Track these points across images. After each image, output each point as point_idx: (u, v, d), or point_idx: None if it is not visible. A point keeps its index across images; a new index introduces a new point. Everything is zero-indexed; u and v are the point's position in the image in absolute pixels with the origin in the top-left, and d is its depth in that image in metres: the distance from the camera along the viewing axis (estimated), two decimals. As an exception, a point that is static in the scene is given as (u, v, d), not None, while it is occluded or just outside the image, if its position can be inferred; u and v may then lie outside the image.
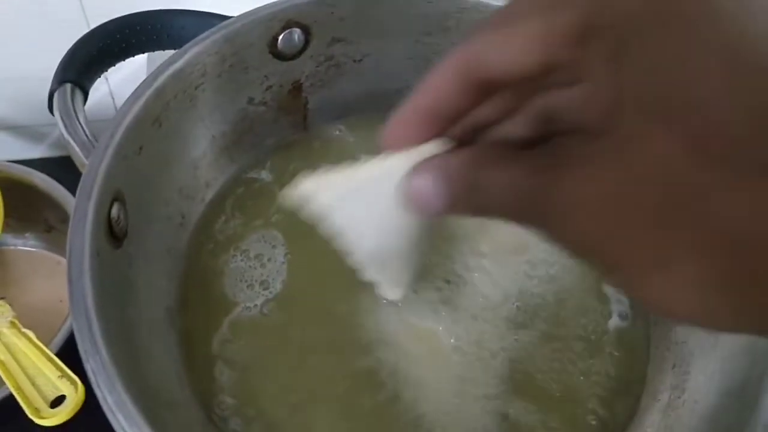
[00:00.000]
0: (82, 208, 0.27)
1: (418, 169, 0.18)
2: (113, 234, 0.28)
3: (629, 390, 0.33)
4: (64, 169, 0.40)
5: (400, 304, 0.34)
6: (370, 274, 0.23)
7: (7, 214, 0.46)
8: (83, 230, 0.26)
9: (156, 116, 0.32)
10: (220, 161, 0.38)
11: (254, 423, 0.31)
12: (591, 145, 0.15)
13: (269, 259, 0.35)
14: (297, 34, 0.37)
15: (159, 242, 0.33)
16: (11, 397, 0.36)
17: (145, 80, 0.31)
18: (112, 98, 0.55)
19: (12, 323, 0.41)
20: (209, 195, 0.37)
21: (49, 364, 0.37)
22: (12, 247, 0.52)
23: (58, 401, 0.35)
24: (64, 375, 0.36)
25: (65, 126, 0.33)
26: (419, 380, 0.32)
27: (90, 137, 0.33)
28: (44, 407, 0.35)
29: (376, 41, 0.39)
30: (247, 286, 0.34)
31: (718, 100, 0.13)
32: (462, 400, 0.32)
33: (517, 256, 0.37)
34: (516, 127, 0.18)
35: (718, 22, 0.13)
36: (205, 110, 0.35)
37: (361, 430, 0.31)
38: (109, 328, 0.24)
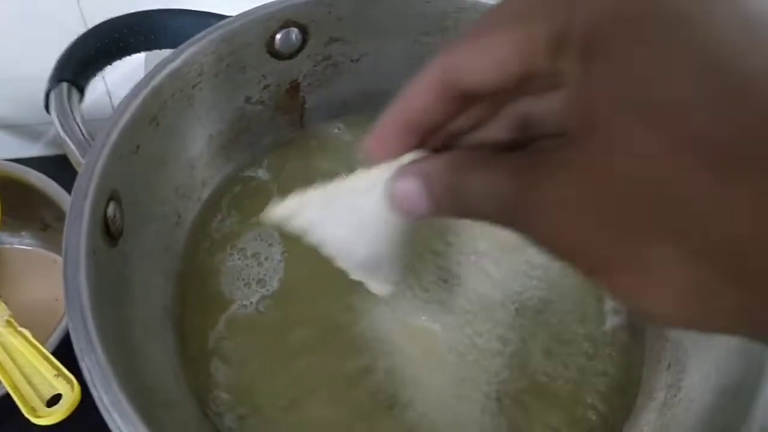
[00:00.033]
0: (78, 206, 0.27)
1: (401, 172, 0.18)
2: (109, 233, 0.28)
3: (626, 389, 0.33)
4: (60, 167, 0.39)
5: (395, 304, 0.34)
6: (356, 276, 0.23)
7: (3, 213, 0.45)
8: (79, 229, 0.26)
9: (153, 115, 0.32)
10: (216, 160, 0.38)
11: (249, 419, 0.31)
12: (568, 149, 0.15)
13: (266, 258, 0.35)
14: (294, 33, 0.37)
15: (155, 241, 0.33)
16: (7, 396, 0.35)
17: (142, 80, 0.31)
18: (110, 97, 0.55)
19: (8, 322, 0.41)
20: (206, 194, 0.37)
21: (45, 362, 0.37)
22: (8, 246, 0.52)
23: (54, 400, 0.35)
24: (60, 374, 0.36)
25: (61, 125, 0.33)
26: (415, 379, 0.32)
27: (86, 136, 0.33)
28: (40, 406, 0.35)
29: (374, 41, 0.39)
30: (244, 284, 0.34)
31: (697, 103, 0.13)
32: (458, 399, 0.32)
33: (514, 255, 0.37)
34: (496, 132, 0.19)
35: (690, 25, 0.13)
36: (202, 109, 0.35)
37: (356, 429, 0.31)
38: (104, 327, 0.24)
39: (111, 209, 0.29)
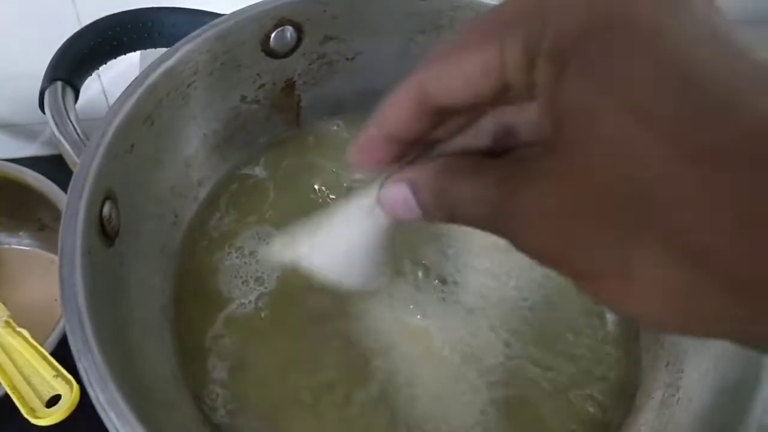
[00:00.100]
0: (73, 206, 0.27)
1: (391, 179, 0.19)
2: (105, 233, 0.28)
3: (624, 388, 0.33)
4: (57, 167, 0.39)
5: (394, 303, 0.34)
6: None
7: (0, 213, 0.46)
8: (75, 229, 0.26)
9: (148, 114, 0.32)
10: (212, 159, 0.38)
11: (250, 418, 0.31)
12: (546, 158, 0.15)
13: (266, 256, 0.35)
14: (289, 32, 0.37)
15: (152, 241, 0.33)
16: (7, 396, 0.35)
17: (136, 78, 0.31)
18: (105, 96, 0.55)
19: (6, 322, 0.41)
20: (202, 193, 0.37)
21: (44, 363, 0.37)
22: (6, 246, 0.52)
23: (53, 401, 0.35)
24: (59, 374, 0.36)
25: (56, 124, 0.33)
26: (414, 379, 0.32)
27: (81, 135, 0.33)
28: (40, 407, 0.35)
29: (369, 39, 0.39)
30: (242, 282, 0.34)
31: (676, 109, 0.13)
32: (458, 399, 0.32)
33: (513, 255, 0.37)
34: (479, 140, 0.19)
35: (661, 35, 0.14)
36: (197, 108, 0.35)
37: (353, 427, 0.31)
38: (101, 327, 0.24)
39: (107, 209, 0.28)
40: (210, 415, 0.30)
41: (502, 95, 0.16)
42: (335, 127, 0.41)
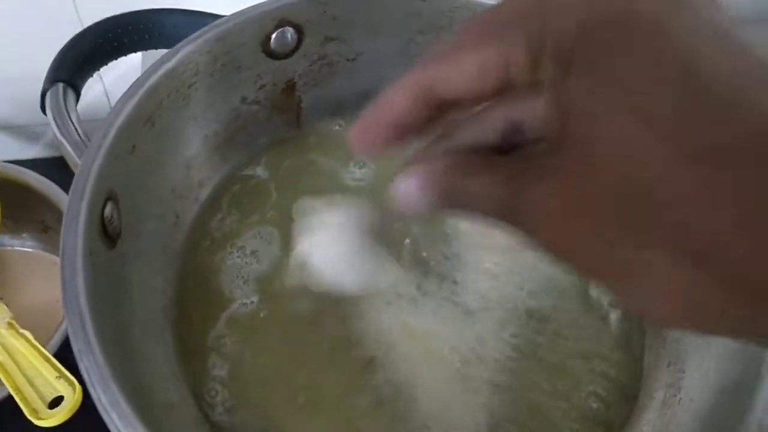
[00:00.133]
0: (75, 207, 0.27)
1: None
2: (107, 234, 0.28)
3: (626, 388, 0.33)
4: (59, 169, 0.39)
5: (396, 304, 0.34)
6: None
7: (3, 215, 0.46)
8: (76, 230, 0.26)
9: (149, 116, 0.32)
10: (213, 160, 0.38)
11: (249, 416, 0.31)
12: (551, 156, 0.15)
13: (266, 256, 0.35)
14: (290, 33, 0.37)
15: (153, 241, 0.33)
16: (10, 398, 0.36)
17: (137, 80, 0.31)
18: (107, 98, 0.55)
19: (9, 324, 0.41)
20: (203, 194, 0.37)
21: (47, 364, 0.37)
22: (9, 248, 0.52)
23: (56, 402, 0.35)
24: (62, 376, 0.36)
25: (58, 126, 0.33)
26: (416, 380, 0.32)
27: (83, 137, 0.33)
28: (42, 408, 0.35)
29: (369, 40, 0.39)
30: (244, 283, 0.34)
31: (677, 108, 0.13)
32: (458, 399, 0.32)
33: (515, 255, 0.37)
34: (486, 137, 0.19)
35: (664, 33, 0.14)
36: (198, 109, 0.35)
37: (352, 427, 0.31)
38: (102, 328, 0.24)
39: (108, 210, 0.29)
40: (208, 412, 0.30)
41: (504, 92, 0.17)
42: (336, 127, 0.41)
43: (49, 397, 0.35)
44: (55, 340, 0.39)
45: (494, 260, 0.36)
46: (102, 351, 0.23)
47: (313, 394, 0.31)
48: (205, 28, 0.34)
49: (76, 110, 0.35)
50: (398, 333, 0.33)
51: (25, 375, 0.37)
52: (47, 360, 0.37)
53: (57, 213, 0.46)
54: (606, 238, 0.14)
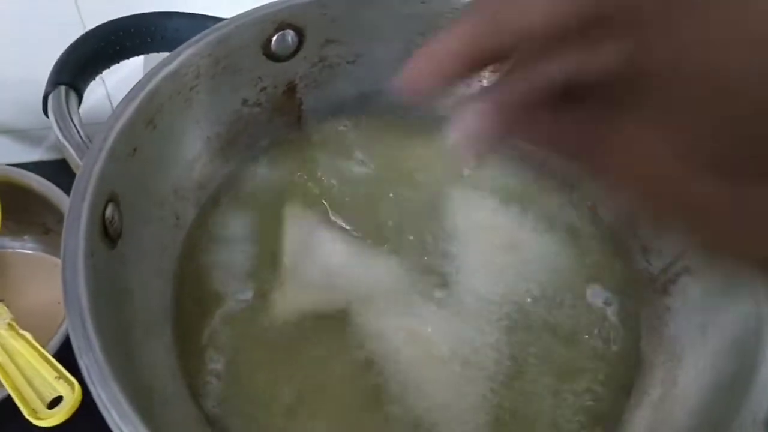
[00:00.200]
0: (76, 209, 0.27)
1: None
2: (108, 235, 0.29)
3: (623, 384, 0.33)
4: (61, 172, 0.40)
5: (393, 305, 0.34)
6: None
7: (4, 217, 0.46)
8: (77, 231, 0.27)
9: (150, 118, 0.32)
10: (214, 162, 0.38)
11: (247, 414, 0.31)
12: (632, 101, 0.15)
13: (264, 256, 0.36)
14: (290, 35, 0.37)
15: (154, 242, 0.33)
16: (10, 398, 0.36)
17: (138, 82, 0.32)
18: (110, 101, 0.55)
19: (10, 325, 0.41)
20: (204, 195, 0.37)
21: (46, 365, 0.37)
22: (10, 250, 0.52)
23: (55, 402, 0.35)
24: (61, 376, 0.36)
25: (60, 128, 0.33)
26: (415, 380, 0.32)
27: (85, 139, 0.33)
28: (42, 408, 0.35)
29: (370, 42, 0.39)
30: (241, 282, 0.35)
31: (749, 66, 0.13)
32: (459, 399, 0.32)
33: (508, 253, 0.37)
34: (555, 77, 0.18)
35: None
36: (199, 111, 0.36)
37: (350, 425, 0.31)
38: (103, 327, 0.24)
39: (109, 211, 0.29)
40: (205, 408, 0.30)
41: (574, 34, 0.16)
42: (338, 129, 0.41)
43: (49, 398, 0.35)
44: (55, 341, 0.39)
45: (494, 260, 0.36)
46: (102, 349, 0.23)
47: (308, 393, 0.32)
48: (206, 31, 0.34)
49: (78, 113, 0.35)
50: (396, 333, 0.34)
51: (24, 375, 0.37)
52: (47, 360, 0.37)
53: (58, 215, 0.47)
54: (695, 180, 0.15)
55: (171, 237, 0.35)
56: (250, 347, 0.33)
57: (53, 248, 0.51)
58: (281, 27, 0.36)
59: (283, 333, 0.33)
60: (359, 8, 0.37)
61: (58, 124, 0.34)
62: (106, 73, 0.39)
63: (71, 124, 0.34)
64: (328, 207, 0.38)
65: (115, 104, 0.55)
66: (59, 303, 0.47)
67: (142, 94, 0.31)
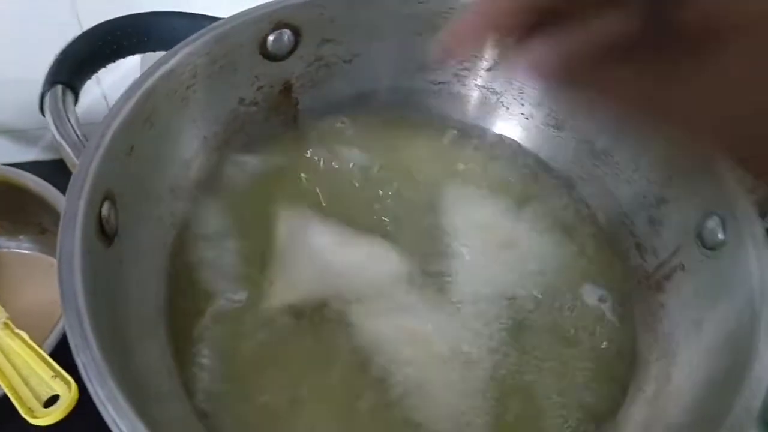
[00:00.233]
0: (72, 207, 0.27)
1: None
2: (104, 233, 0.29)
3: (616, 382, 0.33)
4: (57, 172, 0.40)
5: (390, 304, 0.34)
6: None
7: (0, 217, 0.46)
8: (74, 229, 0.27)
9: (147, 116, 0.32)
10: (211, 160, 0.38)
11: (241, 410, 0.31)
12: (701, 50, 0.16)
13: (259, 255, 0.36)
14: (287, 35, 0.37)
15: (150, 241, 0.33)
16: (6, 397, 0.36)
17: (135, 81, 0.32)
18: (106, 101, 0.55)
19: (5, 324, 0.41)
20: (200, 193, 0.37)
21: (42, 364, 0.37)
22: (5, 250, 0.52)
23: (52, 401, 0.35)
24: (57, 375, 0.36)
25: (56, 127, 0.33)
26: (414, 379, 0.32)
27: (81, 138, 0.33)
28: (38, 407, 0.35)
29: (366, 41, 0.39)
30: (237, 281, 0.35)
31: None
32: (459, 397, 0.32)
33: (506, 251, 0.37)
34: (618, 28, 0.19)
35: None
36: (196, 110, 0.36)
37: (350, 421, 0.31)
38: (99, 324, 0.24)
39: (105, 209, 0.29)
40: (199, 405, 0.30)
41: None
42: (334, 128, 0.41)
43: (45, 396, 0.35)
44: (51, 340, 0.39)
45: (491, 258, 0.37)
46: (99, 346, 0.23)
47: (303, 392, 0.32)
48: (202, 31, 0.34)
49: (75, 111, 0.35)
50: (394, 332, 0.34)
51: (20, 375, 0.37)
52: (43, 359, 0.37)
53: (54, 215, 0.47)
54: None
55: (167, 235, 0.35)
56: (243, 345, 0.33)
57: (49, 248, 0.51)
58: (278, 26, 0.36)
59: (276, 334, 0.33)
60: (356, 8, 0.37)
61: (54, 123, 0.34)
62: (102, 73, 0.39)
63: (68, 122, 0.34)
64: (324, 205, 0.38)
65: (110, 104, 0.55)
66: (55, 303, 0.47)
67: (139, 93, 0.31)
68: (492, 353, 0.33)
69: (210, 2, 0.40)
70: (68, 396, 0.34)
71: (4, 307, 0.43)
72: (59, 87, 0.35)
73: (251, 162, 0.39)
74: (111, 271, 0.29)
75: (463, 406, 0.32)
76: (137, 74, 0.33)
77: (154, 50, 0.39)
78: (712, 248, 0.32)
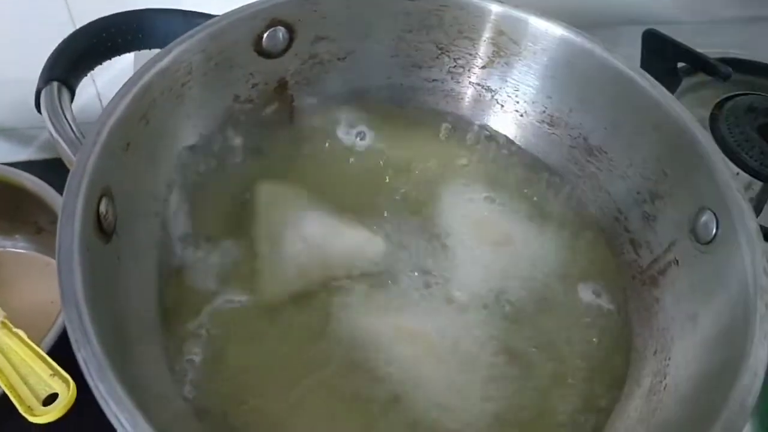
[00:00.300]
0: (70, 204, 0.27)
1: None
2: (102, 229, 0.29)
3: (613, 377, 0.34)
4: (53, 171, 0.40)
5: (386, 303, 0.34)
6: None
7: (-4, 216, 0.46)
8: (72, 226, 0.27)
9: (143, 113, 0.32)
10: (207, 157, 0.38)
11: (236, 408, 0.31)
12: None
13: (256, 253, 0.36)
14: (281, 32, 0.37)
15: (148, 237, 0.33)
16: (5, 396, 0.36)
17: (131, 78, 0.32)
18: (100, 100, 0.55)
19: (3, 323, 0.41)
20: (196, 190, 0.37)
21: (41, 362, 0.37)
22: (1, 249, 0.52)
23: (50, 399, 0.35)
24: (56, 373, 0.36)
25: (53, 124, 0.33)
26: (413, 378, 0.32)
27: (78, 135, 0.33)
28: (37, 405, 0.35)
29: (360, 39, 0.39)
30: (234, 279, 0.35)
31: None
32: (459, 395, 0.32)
33: (501, 248, 0.37)
34: None
35: None
36: (191, 107, 0.36)
37: (349, 417, 0.31)
38: (99, 320, 0.24)
39: (103, 206, 0.29)
40: (192, 398, 0.30)
41: None
42: (330, 124, 0.41)
43: (44, 395, 0.35)
44: (49, 339, 0.39)
45: (486, 257, 0.37)
46: (99, 342, 0.23)
47: (300, 391, 0.32)
48: (197, 28, 0.34)
49: (71, 108, 0.35)
50: (390, 329, 0.34)
51: (19, 373, 0.37)
52: (41, 358, 0.37)
53: (51, 214, 0.47)
54: None
55: (164, 231, 0.35)
56: (241, 343, 0.33)
57: (45, 247, 0.51)
58: (272, 24, 0.36)
59: (278, 333, 0.33)
60: (350, 5, 0.38)
61: (50, 120, 0.33)
62: (96, 72, 0.39)
63: (64, 119, 0.34)
64: (321, 201, 0.38)
65: (105, 103, 0.55)
66: (52, 302, 0.47)
67: (135, 90, 0.31)
68: (489, 349, 0.34)
69: (204, 0, 0.40)
70: (67, 394, 0.34)
71: (1, 306, 0.43)
72: (55, 84, 0.35)
73: (247, 158, 0.39)
74: (109, 267, 0.29)
75: (461, 403, 0.32)
76: (131, 73, 0.33)
77: (150, 47, 0.39)
78: (706, 243, 0.32)
